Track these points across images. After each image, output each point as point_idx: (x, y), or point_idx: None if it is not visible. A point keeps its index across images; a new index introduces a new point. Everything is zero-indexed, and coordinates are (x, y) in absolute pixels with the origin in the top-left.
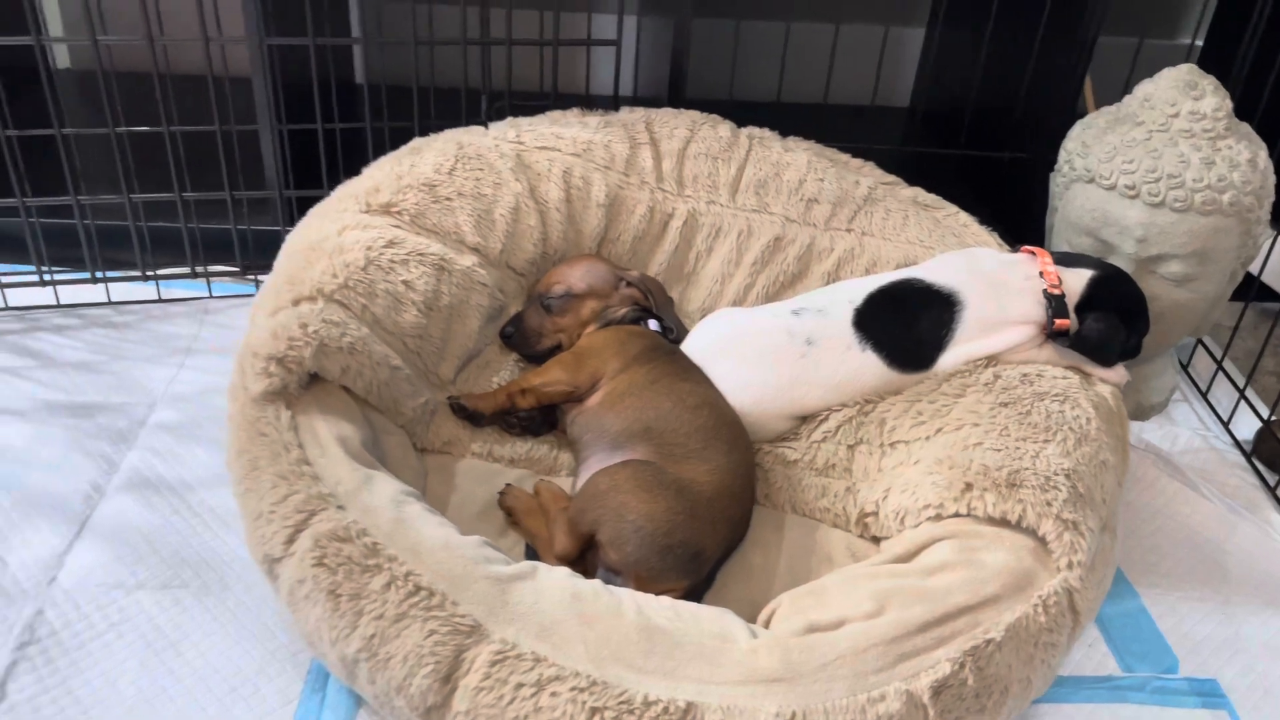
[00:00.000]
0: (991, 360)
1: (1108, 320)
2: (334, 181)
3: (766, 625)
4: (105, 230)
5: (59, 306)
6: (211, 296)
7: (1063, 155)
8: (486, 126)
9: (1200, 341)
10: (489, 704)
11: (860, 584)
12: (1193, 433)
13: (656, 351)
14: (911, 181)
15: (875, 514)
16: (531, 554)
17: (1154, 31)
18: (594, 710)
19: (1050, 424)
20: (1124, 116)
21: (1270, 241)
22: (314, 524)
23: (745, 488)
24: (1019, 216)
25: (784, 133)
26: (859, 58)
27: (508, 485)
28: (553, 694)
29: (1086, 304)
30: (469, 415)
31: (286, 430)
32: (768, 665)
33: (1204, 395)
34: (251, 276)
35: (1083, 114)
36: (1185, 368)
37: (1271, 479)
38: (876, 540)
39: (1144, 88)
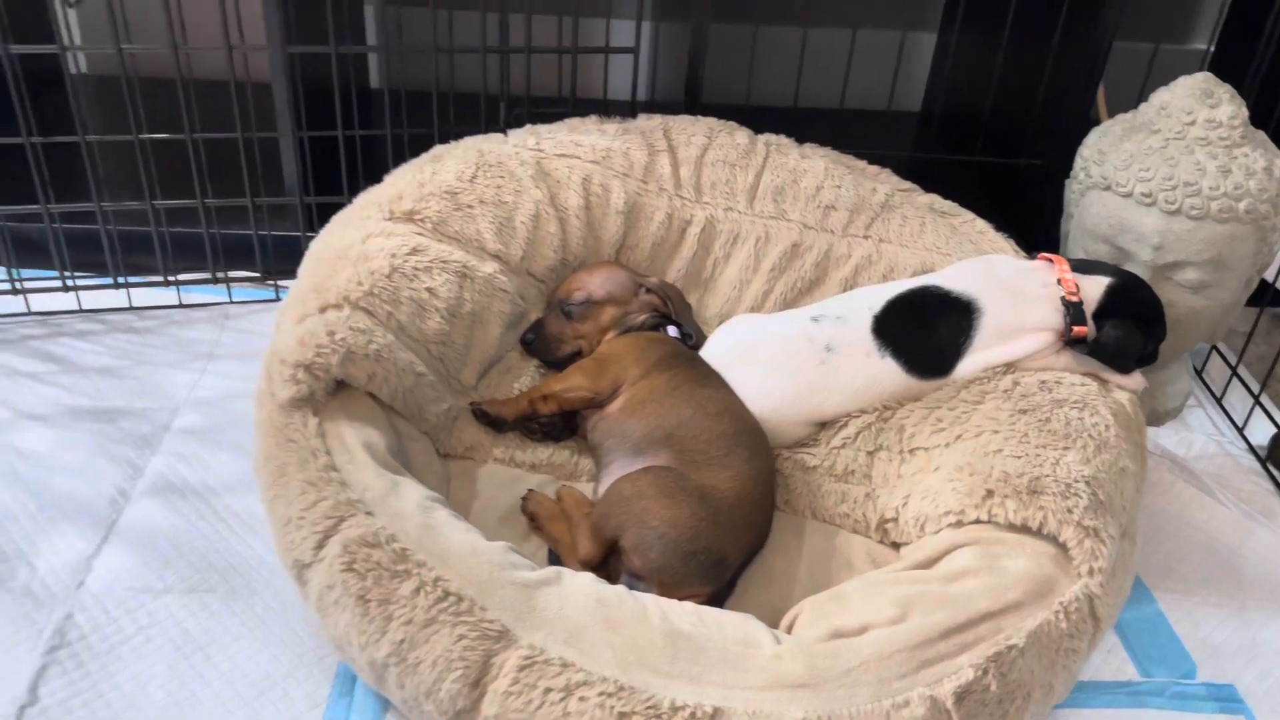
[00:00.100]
0: (1010, 367)
1: (1125, 327)
2: (353, 187)
3: (788, 631)
4: (127, 236)
5: (81, 312)
6: (232, 302)
7: (1078, 162)
8: (505, 133)
9: (1215, 348)
10: (518, 709)
11: (882, 590)
12: (1208, 438)
13: (676, 358)
14: (926, 188)
15: (895, 520)
16: (554, 559)
17: (1167, 36)
18: (622, 715)
19: (1070, 431)
20: (1140, 124)
21: None
22: (343, 530)
23: (766, 494)
24: (1033, 223)
25: (800, 138)
26: (873, 63)
27: (530, 490)
28: (581, 699)
29: (1104, 311)
30: (491, 421)
31: (314, 436)
32: (792, 671)
33: (1219, 401)
34: (272, 282)
35: (1097, 121)
36: (1200, 373)
37: None
38: (896, 546)
39: (1160, 95)
